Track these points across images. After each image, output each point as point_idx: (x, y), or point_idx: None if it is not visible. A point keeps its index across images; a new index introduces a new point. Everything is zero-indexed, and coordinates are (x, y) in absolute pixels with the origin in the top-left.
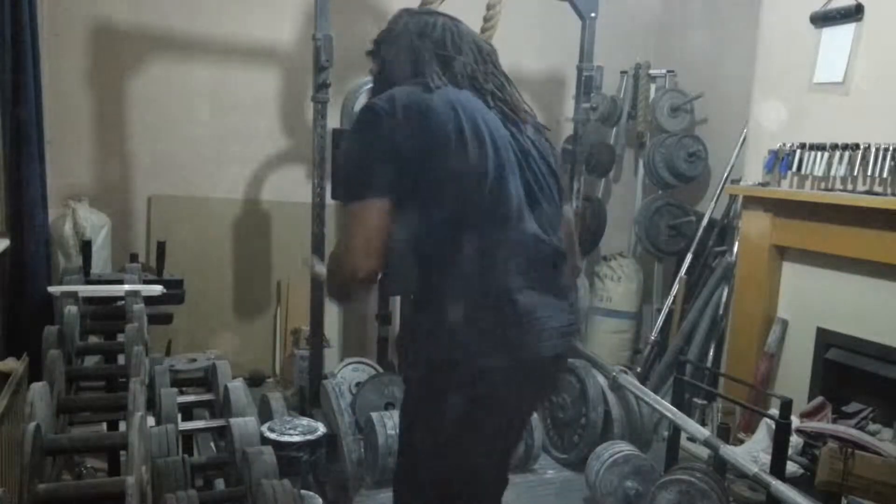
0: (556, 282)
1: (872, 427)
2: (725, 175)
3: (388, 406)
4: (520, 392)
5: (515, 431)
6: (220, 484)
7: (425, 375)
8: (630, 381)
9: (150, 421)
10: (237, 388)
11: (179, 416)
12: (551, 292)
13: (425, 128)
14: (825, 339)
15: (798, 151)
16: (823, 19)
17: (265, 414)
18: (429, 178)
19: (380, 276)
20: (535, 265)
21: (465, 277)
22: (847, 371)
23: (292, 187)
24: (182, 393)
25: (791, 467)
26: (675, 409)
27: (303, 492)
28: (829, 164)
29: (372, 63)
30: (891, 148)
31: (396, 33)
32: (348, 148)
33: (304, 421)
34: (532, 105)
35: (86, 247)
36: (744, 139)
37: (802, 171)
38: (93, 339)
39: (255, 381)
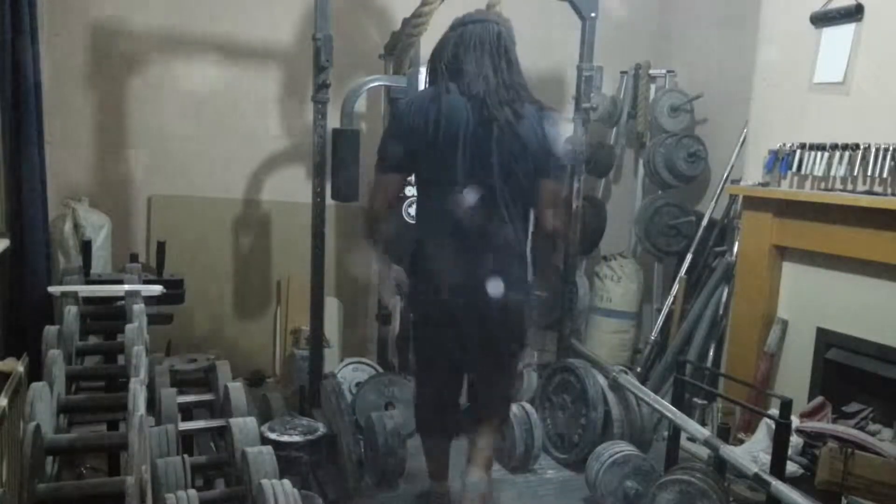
0: (478, 243)
1: (872, 427)
2: (725, 175)
3: (388, 406)
4: (439, 313)
5: (454, 347)
6: (220, 484)
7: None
8: (630, 381)
9: (150, 421)
10: (237, 388)
11: (179, 416)
12: (468, 250)
13: (418, 122)
14: (825, 339)
15: (798, 151)
16: (823, 19)
17: (265, 414)
18: (413, 156)
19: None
20: (461, 228)
21: (421, 225)
22: (847, 371)
23: (292, 187)
24: (182, 393)
25: (791, 467)
26: (675, 409)
27: (303, 492)
28: (829, 164)
29: None
30: (891, 148)
31: (436, 45)
32: (385, 128)
33: (304, 421)
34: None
35: (86, 247)
36: (744, 139)
37: (802, 171)
38: (93, 339)
39: (255, 381)
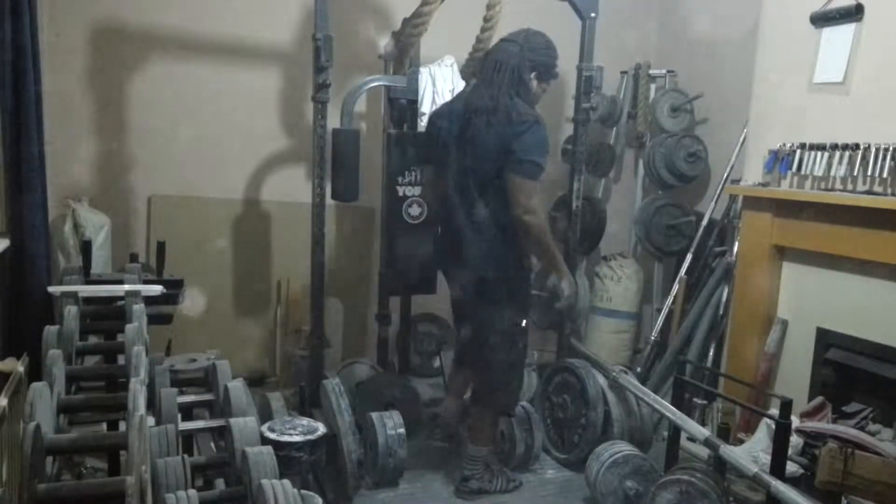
0: (464, 226)
1: (872, 427)
2: (725, 175)
3: (388, 406)
4: (449, 281)
5: (464, 312)
6: (220, 484)
7: None
8: (630, 381)
9: (150, 421)
10: (237, 388)
11: (179, 416)
12: (457, 232)
13: (432, 123)
14: (825, 339)
15: (798, 151)
16: (823, 19)
17: (265, 414)
18: (429, 150)
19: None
20: (454, 212)
21: (436, 214)
22: (847, 371)
23: (292, 187)
24: (182, 393)
25: (791, 467)
26: (675, 409)
27: (303, 492)
28: (829, 164)
29: None
30: (891, 148)
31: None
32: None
33: (304, 421)
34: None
35: (86, 247)
36: (744, 139)
37: (802, 171)
38: (93, 339)
39: (255, 381)
